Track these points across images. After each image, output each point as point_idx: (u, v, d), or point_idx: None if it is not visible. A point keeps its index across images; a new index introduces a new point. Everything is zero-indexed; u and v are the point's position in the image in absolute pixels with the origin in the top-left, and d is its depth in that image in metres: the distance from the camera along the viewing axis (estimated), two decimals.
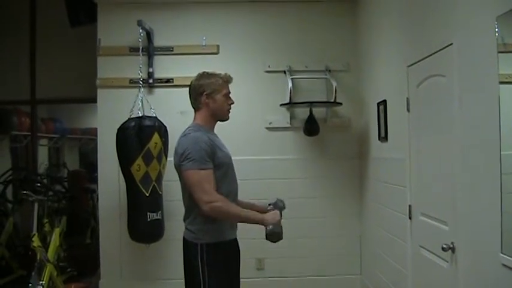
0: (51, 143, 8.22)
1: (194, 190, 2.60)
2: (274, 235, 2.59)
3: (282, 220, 2.68)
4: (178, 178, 2.75)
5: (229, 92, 2.83)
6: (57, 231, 4.70)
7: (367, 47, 4.59)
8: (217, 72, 2.84)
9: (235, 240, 2.82)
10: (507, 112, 2.12)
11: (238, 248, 2.85)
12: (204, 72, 2.84)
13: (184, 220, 2.78)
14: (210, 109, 2.77)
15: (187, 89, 2.83)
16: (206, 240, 2.65)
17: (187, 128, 2.77)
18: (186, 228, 2.75)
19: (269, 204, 2.78)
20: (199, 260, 2.63)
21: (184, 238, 2.76)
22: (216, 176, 2.64)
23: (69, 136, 8.78)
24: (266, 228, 2.60)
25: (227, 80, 2.82)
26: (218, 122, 2.83)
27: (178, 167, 2.70)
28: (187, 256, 2.72)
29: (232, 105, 2.84)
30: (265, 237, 2.60)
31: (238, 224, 2.79)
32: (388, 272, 3.94)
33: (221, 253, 2.66)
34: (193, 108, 2.83)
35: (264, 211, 2.74)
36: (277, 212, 2.70)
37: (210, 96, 2.75)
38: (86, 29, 5.23)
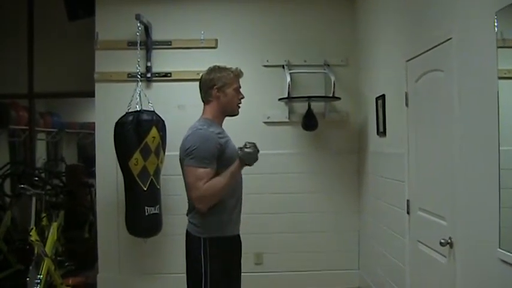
0: (49, 137, 8.21)
1: (187, 188, 2.66)
2: (248, 157, 2.61)
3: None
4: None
5: (240, 87, 2.83)
6: (55, 225, 4.68)
7: (366, 41, 4.57)
8: (228, 66, 2.84)
9: (238, 236, 2.83)
10: (506, 107, 2.11)
11: (241, 244, 2.86)
12: (214, 66, 2.84)
13: (187, 214, 2.79)
14: (220, 103, 2.77)
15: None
16: (209, 235, 2.66)
17: (198, 121, 2.76)
18: (189, 222, 2.76)
19: (239, 148, 2.69)
20: (202, 253, 2.64)
21: (187, 231, 2.76)
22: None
23: (67, 130, 8.77)
24: (242, 152, 2.60)
25: (238, 74, 2.82)
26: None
27: (181, 161, 2.71)
28: (190, 249, 2.73)
29: (242, 100, 2.84)
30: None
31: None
32: (386, 267, 3.94)
33: (223, 247, 2.67)
34: (203, 102, 2.82)
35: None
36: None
37: (220, 90, 2.75)
38: (84, 22, 5.21)
